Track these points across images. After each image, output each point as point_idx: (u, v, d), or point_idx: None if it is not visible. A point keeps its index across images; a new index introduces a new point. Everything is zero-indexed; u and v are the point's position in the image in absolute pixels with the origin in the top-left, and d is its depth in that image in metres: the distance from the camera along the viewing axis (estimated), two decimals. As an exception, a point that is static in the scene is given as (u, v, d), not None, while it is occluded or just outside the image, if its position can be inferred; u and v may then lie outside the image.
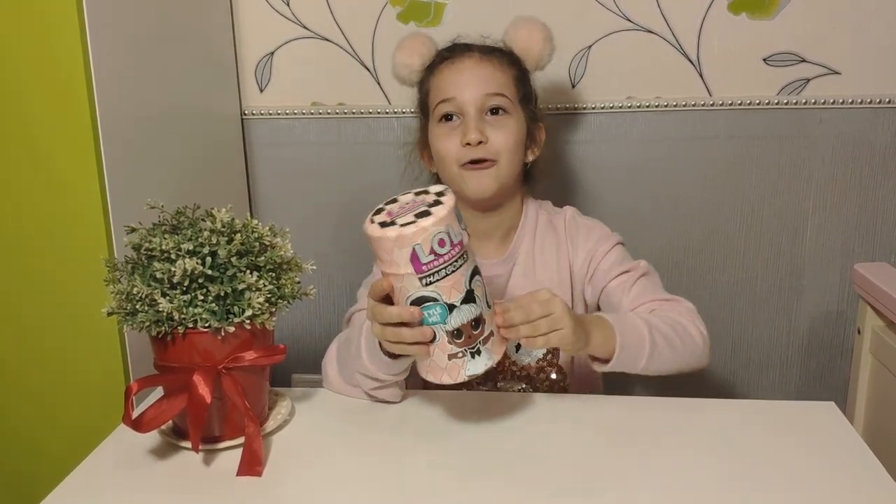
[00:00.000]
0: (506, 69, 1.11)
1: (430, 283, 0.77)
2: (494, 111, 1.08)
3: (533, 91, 1.17)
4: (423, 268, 0.76)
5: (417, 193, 0.83)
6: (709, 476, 0.80)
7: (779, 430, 0.89)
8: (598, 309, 1.13)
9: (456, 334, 0.80)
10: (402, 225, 0.76)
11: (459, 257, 0.78)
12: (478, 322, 0.81)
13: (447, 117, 1.09)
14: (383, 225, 0.78)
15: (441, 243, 0.76)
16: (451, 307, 0.79)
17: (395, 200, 0.83)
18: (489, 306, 0.83)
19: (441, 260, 0.77)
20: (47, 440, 1.15)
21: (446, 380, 0.82)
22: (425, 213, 0.77)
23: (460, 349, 0.80)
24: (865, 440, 0.86)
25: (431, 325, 0.80)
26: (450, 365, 0.81)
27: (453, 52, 1.13)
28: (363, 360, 0.93)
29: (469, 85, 1.08)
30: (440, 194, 0.81)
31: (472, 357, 0.81)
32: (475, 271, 0.81)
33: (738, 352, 1.61)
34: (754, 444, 0.86)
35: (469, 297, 0.79)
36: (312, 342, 1.68)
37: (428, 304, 0.79)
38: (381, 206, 0.82)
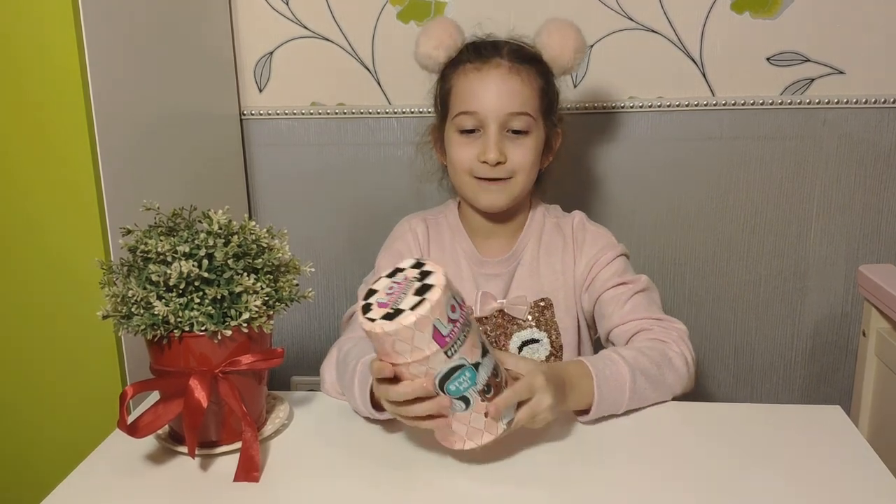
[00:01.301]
0: (532, 82, 1.07)
1: (455, 351, 0.75)
2: (516, 130, 1.06)
3: (556, 94, 1.14)
4: (446, 339, 0.74)
5: (391, 275, 0.79)
6: (712, 481, 0.79)
7: (785, 434, 0.88)
8: (593, 319, 1.11)
9: (486, 390, 0.78)
10: (411, 308, 0.73)
11: (468, 317, 0.76)
12: (497, 370, 0.79)
13: (467, 129, 1.07)
14: (389, 318, 0.74)
15: (453, 309, 0.74)
16: (477, 365, 0.76)
17: (373, 291, 0.79)
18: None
19: (458, 325, 0.74)
20: (42, 445, 1.14)
21: (487, 438, 0.79)
22: (426, 288, 0.74)
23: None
24: (870, 443, 0.85)
25: (464, 392, 0.77)
26: (487, 422, 0.79)
27: (481, 55, 1.08)
28: (356, 401, 0.91)
29: (493, 100, 1.05)
30: (418, 265, 0.78)
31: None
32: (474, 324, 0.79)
33: (742, 354, 1.60)
34: (759, 449, 0.84)
35: (485, 349, 0.78)
36: (312, 344, 1.67)
37: (457, 373, 0.76)
38: (363, 302, 0.78)
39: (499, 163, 1.04)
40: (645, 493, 0.77)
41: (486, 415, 0.78)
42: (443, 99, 1.12)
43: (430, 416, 0.79)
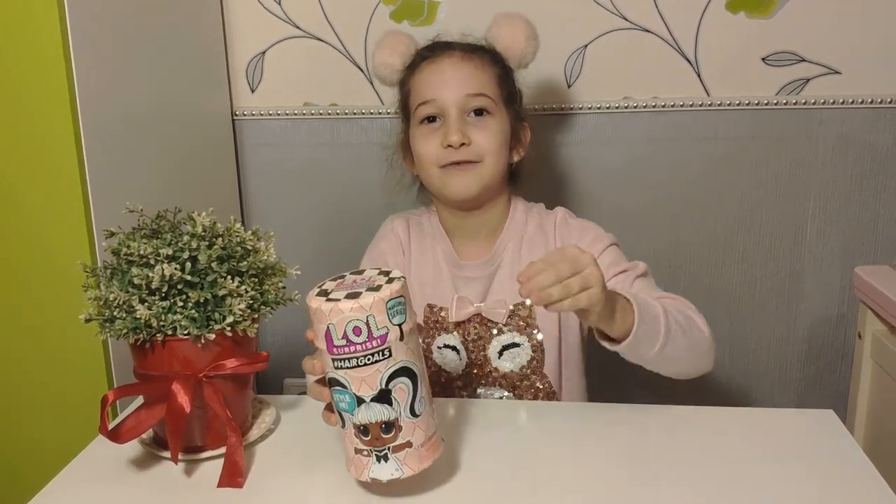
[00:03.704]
0: (487, 68, 1.08)
1: (340, 367, 0.73)
2: (478, 112, 1.06)
3: (518, 90, 1.15)
4: (334, 350, 0.72)
5: (380, 273, 0.77)
6: (703, 488, 0.78)
7: (776, 439, 0.87)
8: None
9: (363, 430, 0.74)
10: (328, 299, 0.72)
11: (377, 352, 0.72)
12: (389, 426, 0.74)
13: (429, 119, 1.07)
14: (320, 295, 0.74)
15: (356, 331, 0.71)
16: (360, 400, 0.73)
17: (361, 271, 0.79)
18: (415, 415, 0.75)
19: (353, 348, 0.71)
20: (28, 449, 1.13)
21: (353, 472, 0.77)
22: (355, 295, 0.72)
23: (365, 447, 0.75)
24: (866, 446, 0.84)
25: (341, 410, 0.75)
26: (355, 459, 0.76)
27: (433, 51, 1.10)
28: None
29: (450, 85, 1.06)
30: (390, 281, 0.75)
31: (378, 461, 0.75)
32: (402, 373, 0.74)
33: (737, 356, 1.59)
34: (750, 455, 0.84)
35: (382, 398, 0.73)
36: (305, 346, 1.66)
37: (337, 388, 0.74)
38: (345, 273, 0.79)
39: (462, 144, 1.04)
40: (633, 497, 0.76)
41: (354, 451, 0.75)
42: (404, 103, 1.13)
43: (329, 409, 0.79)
